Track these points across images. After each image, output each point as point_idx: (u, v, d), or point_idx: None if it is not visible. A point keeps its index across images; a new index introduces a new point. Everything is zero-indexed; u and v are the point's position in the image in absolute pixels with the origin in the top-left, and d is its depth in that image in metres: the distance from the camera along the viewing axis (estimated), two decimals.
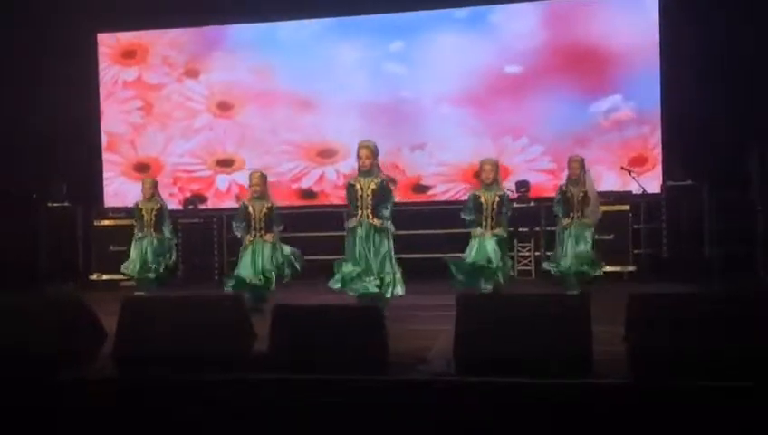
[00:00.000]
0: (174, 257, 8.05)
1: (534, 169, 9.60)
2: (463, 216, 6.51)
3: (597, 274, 7.04)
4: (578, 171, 7.07)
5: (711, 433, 3.25)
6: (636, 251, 8.65)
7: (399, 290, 5.83)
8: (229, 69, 10.36)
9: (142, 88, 10.61)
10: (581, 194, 7.03)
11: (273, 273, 6.35)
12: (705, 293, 5.49)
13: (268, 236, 6.41)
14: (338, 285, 5.85)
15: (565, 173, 7.30)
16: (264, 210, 6.44)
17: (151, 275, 7.68)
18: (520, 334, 3.69)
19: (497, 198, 6.26)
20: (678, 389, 3.34)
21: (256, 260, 6.35)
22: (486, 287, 6.16)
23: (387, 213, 5.82)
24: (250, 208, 6.46)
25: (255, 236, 6.40)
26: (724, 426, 3.24)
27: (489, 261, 6.12)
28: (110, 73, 10.67)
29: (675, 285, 7.66)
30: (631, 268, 8.41)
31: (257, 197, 6.49)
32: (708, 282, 7.78)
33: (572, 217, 7.03)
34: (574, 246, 6.95)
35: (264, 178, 6.59)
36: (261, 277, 6.32)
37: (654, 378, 3.47)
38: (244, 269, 6.34)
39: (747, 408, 3.25)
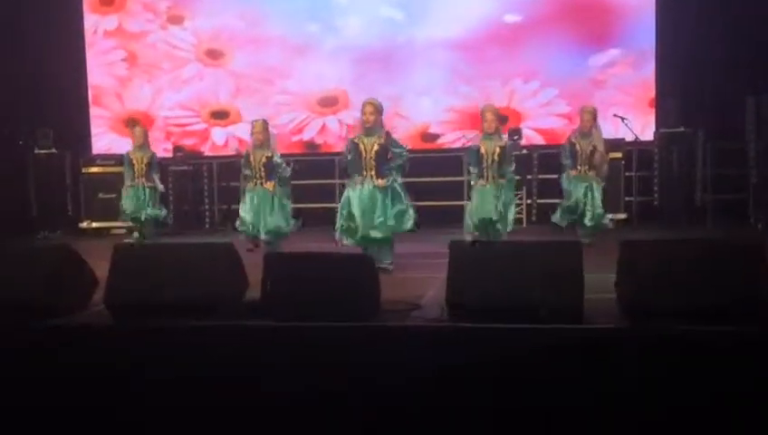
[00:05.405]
0: (165, 212, 8.25)
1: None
2: (470, 169, 6.52)
3: (608, 225, 7.12)
4: (589, 123, 6.96)
5: (699, 377, 3.28)
6: (627, 199, 8.66)
7: (410, 224, 5.72)
8: (215, 14, 10.02)
9: (124, 37, 10.20)
10: (591, 148, 6.91)
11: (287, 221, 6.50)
12: (697, 240, 5.50)
13: (268, 185, 6.44)
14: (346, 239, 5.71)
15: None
16: (264, 159, 6.46)
17: (144, 218, 7.88)
18: (512, 281, 3.69)
19: (497, 149, 6.19)
20: (668, 335, 3.37)
21: (256, 205, 6.42)
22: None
23: (397, 171, 5.72)
24: (251, 157, 6.51)
25: (256, 184, 6.47)
26: (711, 370, 3.28)
27: (490, 214, 6.08)
28: (89, 22, 10.23)
29: (666, 233, 7.71)
30: (623, 216, 8.43)
31: (258, 146, 6.50)
32: (700, 229, 7.81)
33: (579, 171, 6.97)
34: (589, 199, 6.89)
35: (265, 125, 6.59)
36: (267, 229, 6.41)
37: (644, 324, 3.49)
38: (245, 212, 6.47)
39: (734, 352, 3.29)
